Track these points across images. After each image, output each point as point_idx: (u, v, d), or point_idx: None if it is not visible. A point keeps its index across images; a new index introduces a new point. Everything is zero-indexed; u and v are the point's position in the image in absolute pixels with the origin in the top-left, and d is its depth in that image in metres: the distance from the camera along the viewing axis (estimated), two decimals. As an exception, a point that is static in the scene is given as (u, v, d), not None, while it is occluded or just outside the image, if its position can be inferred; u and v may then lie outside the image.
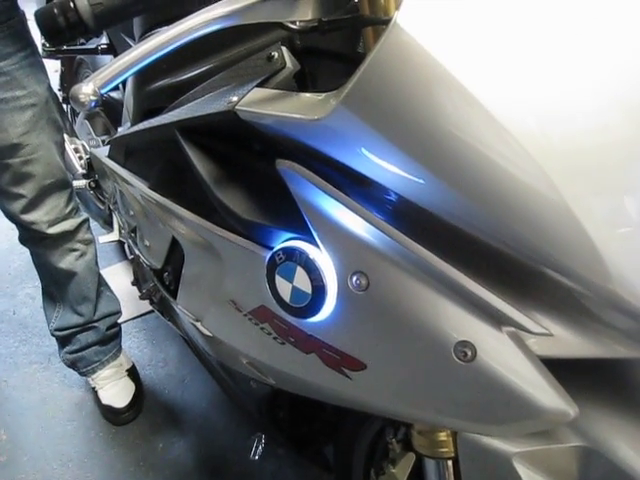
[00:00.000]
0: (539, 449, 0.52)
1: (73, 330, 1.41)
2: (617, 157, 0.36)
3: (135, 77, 0.90)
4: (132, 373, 1.52)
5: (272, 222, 0.50)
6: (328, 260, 0.46)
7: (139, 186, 0.72)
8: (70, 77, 1.95)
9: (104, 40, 1.40)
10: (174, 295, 0.75)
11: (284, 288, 0.49)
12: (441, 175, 0.36)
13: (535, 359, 0.41)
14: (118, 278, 1.79)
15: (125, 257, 2.01)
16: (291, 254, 0.48)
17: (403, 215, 0.42)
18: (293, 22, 0.45)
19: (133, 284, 1.13)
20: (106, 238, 1.42)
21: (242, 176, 0.54)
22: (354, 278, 0.45)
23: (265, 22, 0.45)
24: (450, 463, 0.61)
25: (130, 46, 1.25)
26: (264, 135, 0.49)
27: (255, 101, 0.49)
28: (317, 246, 0.47)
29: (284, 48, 0.57)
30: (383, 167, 0.39)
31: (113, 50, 1.36)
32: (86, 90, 0.42)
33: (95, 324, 1.42)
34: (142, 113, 0.82)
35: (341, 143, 0.40)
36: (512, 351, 0.41)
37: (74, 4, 0.46)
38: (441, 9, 0.34)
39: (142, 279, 1.05)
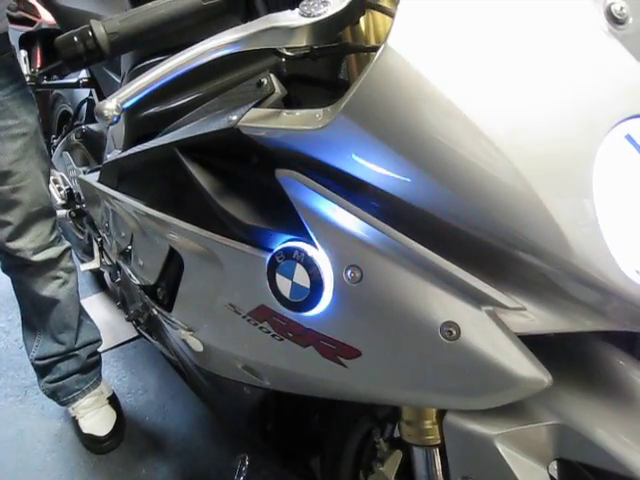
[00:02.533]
0: (518, 429, 0.58)
1: (54, 359, 1.41)
2: (574, 157, 0.43)
3: (125, 106, 0.95)
4: (113, 401, 1.52)
5: (272, 226, 0.55)
6: (324, 256, 0.52)
7: (135, 205, 0.77)
8: (45, 112, 1.98)
9: (85, 74, 1.45)
10: (169, 308, 0.79)
11: (284, 285, 0.54)
12: (431, 174, 0.42)
13: (512, 334, 0.47)
14: (95, 309, 1.79)
15: (101, 288, 2.02)
16: (291, 253, 0.53)
17: (391, 212, 0.48)
18: (288, 49, 0.52)
19: (119, 307, 1.15)
20: (87, 266, 1.45)
21: (241, 187, 0.59)
22: (349, 271, 0.51)
23: (265, 49, 0.51)
24: (437, 450, 0.66)
25: (112, 79, 1.31)
26: (262, 148, 0.55)
27: (255, 119, 0.55)
28: (314, 245, 0.52)
29: (272, 75, 0.63)
30: (377, 169, 0.45)
31: (95, 84, 1.41)
32: (110, 106, 0.47)
33: (76, 352, 1.42)
34: (134, 139, 0.87)
35: (340, 150, 0.46)
36: (491, 327, 0.47)
37: (92, 33, 0.51)
38: (426, 34, 0.41)
39: (129, 301, 1.08)
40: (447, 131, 0.40)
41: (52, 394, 1.46)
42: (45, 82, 1.51)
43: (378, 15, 0.56)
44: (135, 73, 0.86)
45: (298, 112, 0.54)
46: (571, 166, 0.41)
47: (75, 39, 0.51)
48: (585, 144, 0.41)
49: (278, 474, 1.35)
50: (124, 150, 0.90)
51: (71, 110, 1.79)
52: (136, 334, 1.80)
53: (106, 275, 1.48)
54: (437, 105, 0.40)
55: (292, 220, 0.54)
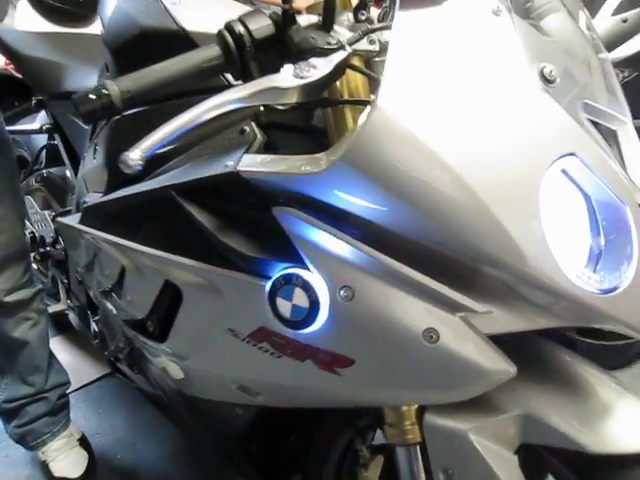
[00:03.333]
0: (488, 421, 0.67)
1: (22, 401, 1.40)
2: (524, 187, 0.54)
3: (102, 153, 1.01)
4: (83, 442, 1.52)
5: (269, 256, 0.63)
6: (320, 279, 0.60)
7: (126, 244, 0.83)
8: None
9: (48, 120, 1.49)
10: (161, 339, 0.85)
11: (284, 307, 0.62)
12: (413, 206, 0.51)
13: (481, 334, 0.56)
14: (57, 352, 1.78)
15: (61, 331, 2.00)
16: (290, 279, 0.61)
17: (376, 238, 0.57)
18: (281, 104, 0.60)
19: (97, 345, 1.18)
20: (54, 308, 1.46)
21: (238, 223, 0.67)
22: (342, 292, 0.59)
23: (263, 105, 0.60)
24: (418, 448, 0.74)
25: (79, 126, 1.36)
26: (257, 189, 0.63)
27: (250, 164, 0.63)
28: (309, 269, 0.61)
29: (253, 123, 0.72)
30: (365, 203, 0.54)
31: (59, 129, 1.46)
32: (133, 157, 0.54)
33: (46, 394, 1.42)
34: (116, 183, 0.93)
35: (335, 189, 0.55)
36: (465, 330, 0.56)
37: (107, 91, 0.58)
38: (407, 96, 0.51)
39: (109, 337, 1.11)
40: (425, 170, 0.50)
41: (21, 439, 1.45)
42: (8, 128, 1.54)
43: (349, 72, 0.67)
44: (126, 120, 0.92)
45: (289, 158, 0.63)
46: (522, 194, 0.52)
47: (91, 96, 0.58)
48: (532, 176, 0.52)
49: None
50: (106, 193, 0.96)
51: (27, 155, 1.82)
52: (99, 375, 1.81)
53: (72, 317, 1.50)
54: (418, 151, 0.50)
55: (287, 250, 0.62)
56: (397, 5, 0.54)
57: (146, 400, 1.57)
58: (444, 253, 0.54)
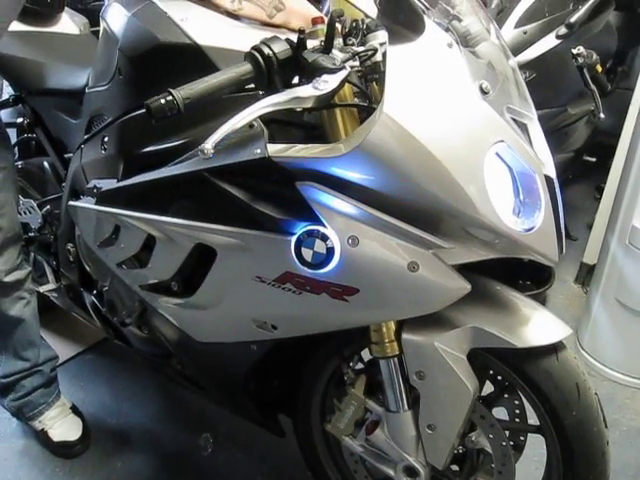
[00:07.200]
0: (448, 333, 0.94)
1: (18, 376, 1.53)
2: (474, 162, 0.80)
3: (115, 145, 1.19)
4: (75, 410, 1.66)
5: (294, 217, 0.87)
6: (333, 232, 0.84)
7: (158, 218, 1.02)
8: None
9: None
10: (187, 295, 1.06)
11: (307, 254, 0.85)
12: (406, 177, 0.77)
13: (447, 264, 0.83)
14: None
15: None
16: (311, 233, 0.84)
17: (374, 200, 0.82)
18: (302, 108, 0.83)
19: (105, 313, 1.35)
20: (46, 287, 1.60)
21: (266, 195, 0.89)
22: (349, 240, 0.83)
23: (286, 108, 0.82)
24: (396, 359, 1.01)
25: (64, 119, 1.50)
26: (282, 169, 0.86)
27: (278, 151, 0.86)
28: (325, 226, 0.84)
29: (259, 119, 0.94)
30: (372, 177, 0.79)
31: (41, 124, 1.59)
32: (208, 147, 0.76)
33: (40, 367, 1.56)
34: (134, 170, 1.11)
35: (349, 168, 0.79)
36: (436, 261, 0.82)
37: (173, 98, 0.78)
38: (405, 102, 0.77)
39: (120, 304, 1.29)
40: (412, 152, 0.76)
41: (17, 411, 1.58)
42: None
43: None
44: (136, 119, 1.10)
45: (309, 146, 0.86)
46: (472, 165, 0.78)
47: (162, 101, 0.78)
48: (478, 154, 0.79)
49: (239, 445, 1.62)
50: (123, 179, 1.14)
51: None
52: (75, 352, 1.94)
53: (58, 296, 1.64)
54: (408, 140, 0.76)
55: (305, 213, 0.85)
56: (387, 42, 0.79)
57: (136, 368, 1.75)
58: (421, 207, 0.80)
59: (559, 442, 0.98)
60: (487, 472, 1.11)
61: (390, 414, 1.05)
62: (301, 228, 0.86)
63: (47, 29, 1.72)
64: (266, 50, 0.84)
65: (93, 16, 1.65)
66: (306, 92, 0.81)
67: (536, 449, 1.10)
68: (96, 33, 1.63)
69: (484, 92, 0.82)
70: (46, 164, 1.67)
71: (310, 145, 0.86)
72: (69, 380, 1.83)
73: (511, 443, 1.05)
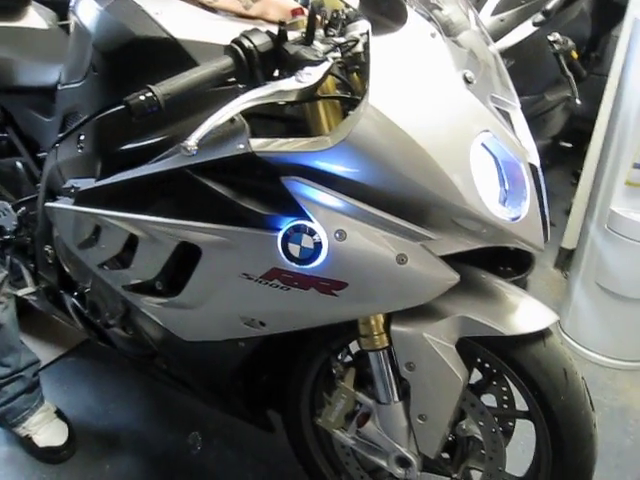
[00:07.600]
0: (437, 323, 0.94)
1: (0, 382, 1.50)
2: (461, 151, 0.80)
3: (92, 143, 1.16)
4: (59, 414, 1.64)
5: (280, 213, 0.85)
6: (320, 227, 0.83)
7: (140, 217, 1.00)
8: None
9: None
10: (172, 295, 1.04)
11: (295, 249, 0.84)
12: (392, 170, 0.76)
13: (435, 255, 0.82)
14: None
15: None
16: (298, 228, 0.83)
17: (360, 193, 0.81)
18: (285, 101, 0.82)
19: (87, 315, 1.33)
20: (24, 291, 1.56)
21: (250, 191, 0.88)
22: (337, 234, 0.83)
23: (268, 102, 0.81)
24: (386, 351, 1.00)
25: (36, 117, 1.46)
26: (266, 164, 0.85)
27: (262, 145, 0.84)
28: (312, 220, 0.83)
29: (240, 114, 0.93)
30: (357, 170, 0.78)
31: (12, 123, 1.55)
32: (191, 143, 0.74)
33: (21, 373, 1.53)
34: (112, 169, 1.09)
35: (335, 161, 0.78)
36: (424, 253, 0.82)
37: (153, 94, 0.76)
38: (389, 94, 0.76)
39: (103, 305, 1.27)
40: (398, 143, 0.76)
41: (0, 418, 1.55)
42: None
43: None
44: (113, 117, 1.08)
45: (293, 140, 0.84)
46: (458, 155, 0.78)
47: (142, 98, 0.76)
48: (463, 144, 0.79)
49: (229, 442, 1.61)
50: (101, 178, 1.12)
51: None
52: (57, 356, 1.91)
53: (36, 299, 1.61)
54: (393, 131, 0.75)
55: (291, 208, 0.84)
56: (370, 33, 0.78)
57: (119, 369, 1.73)
58: (409, 198, 0.80)
59: (548, 427, 0.99)
60: (478, 458, 1.13)
61: (381, 406, 1.05)
62: (287, 223, 0.85)
63: (14, 24, 1.66)
64: (247, 43, 0.82)
65: (61, 9, 1.61)
66: (289, 85, 0.80)
67: (522, 433, 1.11)
68: (65, 27, 1.59)
69: (468, 82, 0.82)
70: (19, 164, 1.62)
71: (294, 139, 0.84)
72: (52, 384, 1.80)
73: (500, 429, 1.06)
